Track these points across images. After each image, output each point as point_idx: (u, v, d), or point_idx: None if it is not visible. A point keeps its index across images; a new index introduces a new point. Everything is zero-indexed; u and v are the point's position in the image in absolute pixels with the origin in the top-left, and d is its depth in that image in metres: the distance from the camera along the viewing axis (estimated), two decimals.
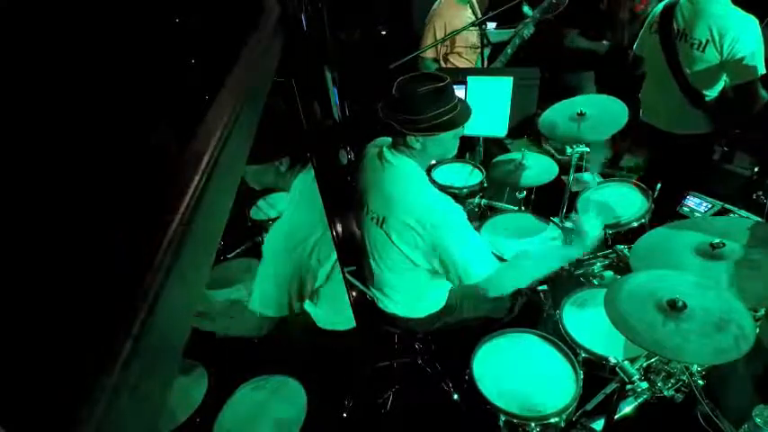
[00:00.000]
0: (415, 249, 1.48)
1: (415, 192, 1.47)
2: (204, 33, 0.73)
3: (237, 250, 2.29)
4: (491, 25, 3.22)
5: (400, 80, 1.43)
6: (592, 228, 1.61)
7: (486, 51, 2.91)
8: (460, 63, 3.16)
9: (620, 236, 2.06)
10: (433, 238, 1.42)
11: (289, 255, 1.46)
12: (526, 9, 3.47)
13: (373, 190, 1.55)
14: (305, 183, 1.52)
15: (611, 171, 3.46)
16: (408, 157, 1.50)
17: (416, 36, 3.50)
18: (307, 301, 1.66)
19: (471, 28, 2.80)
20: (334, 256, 1.54)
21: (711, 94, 2.22)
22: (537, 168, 2.34)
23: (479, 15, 3.04)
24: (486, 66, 2.92)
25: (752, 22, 2.01)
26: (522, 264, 1.60)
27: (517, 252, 1.80)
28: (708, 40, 2.06)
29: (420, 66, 3.11)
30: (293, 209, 1.55)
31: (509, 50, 2.91)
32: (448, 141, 1.49)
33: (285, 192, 1.59)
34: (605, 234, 2.05)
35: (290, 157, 1.48)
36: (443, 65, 3.16)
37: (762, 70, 2.02)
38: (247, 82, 0.60)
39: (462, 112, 1.45)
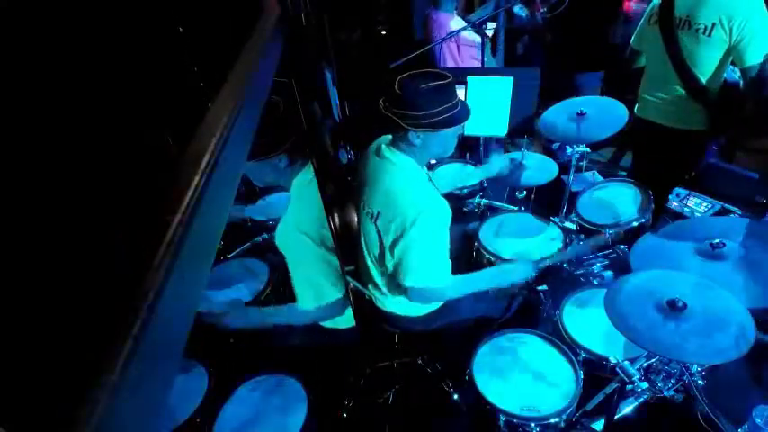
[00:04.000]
0: (390, 243, 1.50)
1: (407, 188, 1.49)
2: (204, 33, 0.73)
3: (237, 250, 2.29)
4: (491, 25, 3.25)
5: (403, 76, 1.44)
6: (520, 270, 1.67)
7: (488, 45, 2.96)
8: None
9: (620, 236, 2.06)
10: (403, 232, 1.45)
11: (303, 247, 1.46)
12: (517, 9, 3.53)
13: (370, 185, 1.56)
14: (305, 179, 1.53)
15: (610, 170, 3.46)
16: (407, 155, 1.51)
17: (416, 36, 3.53)
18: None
19: (471, 29, 2.83)
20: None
21: (713, 86, 2.18)
22: (537, 168, 2.34)
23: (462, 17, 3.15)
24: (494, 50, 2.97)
25: (759, 2, 1.96)
26: (447, 286, 1.59)
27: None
28: (714, 24, 2.02)
29: None
30: (295, 206, 1.55)
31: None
32: (448, 138, 1.52)
33: (286, 191, 1.59)
34: (606, 233, 2.05)
35: (288, 154, 1.48)
36: None
37: None
38: (247, 82, 0.60)
39: (463, 109, 1.47)
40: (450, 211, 1.51)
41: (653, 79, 2.41)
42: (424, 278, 1.49)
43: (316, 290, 1.51)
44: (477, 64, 3.20)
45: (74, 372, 0.28)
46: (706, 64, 2.13)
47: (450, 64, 3.40)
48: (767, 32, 1.97)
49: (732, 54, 2.06)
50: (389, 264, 1.56)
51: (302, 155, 1.52)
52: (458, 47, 3.32)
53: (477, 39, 3.08)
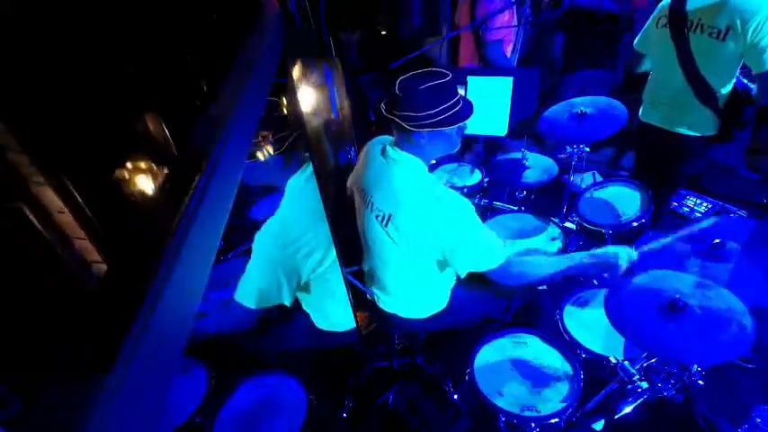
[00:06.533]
0: (423, 244, 1.48)
1: (423, 187, 1.48)
2: (205, 34, 0.73)
3: (237, 250, 2.29)
4: None
5: (403, 78, 1.43)
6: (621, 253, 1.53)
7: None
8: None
9: (621, 235, 2.06)
10: (443, 231, 1.43)
11: (279, 252, 1.46)
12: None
13: (379, 187, 1.55)
14: (298, 182, 1.52)
15: (611, 171, 3.47)
16: (413, 154, 1.50)
17: (416, 36, 3.52)
18: (305, 301, 1.65)
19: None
20: (332, 255, 1.54)
21: (723, 90, 2.11)
22: (537, 168, 2.34)
23: None
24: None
25: None
26: (536, 260, 1.57)
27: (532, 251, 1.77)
28: (729, 27, 1.93)
29: None
30: (286, 208, 1.55)
31: None
32: (452, 136, 1.51)
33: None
34: (605, 234, 2.05)
35: (284, 156, 1.48)
36: None
37: None
38: (247, 82, 0.60)
39: (466, 106, 1.46)
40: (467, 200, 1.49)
41: (660, 83, 2.33)
42: (493, 257, 1.45)
43: (269, 288, 1.51)
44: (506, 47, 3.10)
45: (74, 372, 0.28)
46: (717, 68, 2.06)
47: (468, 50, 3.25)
48: None
49: (746, 58, 1.98)
50: (446, 259, 1.50)
51: (297, 156, 1.52)
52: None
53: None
